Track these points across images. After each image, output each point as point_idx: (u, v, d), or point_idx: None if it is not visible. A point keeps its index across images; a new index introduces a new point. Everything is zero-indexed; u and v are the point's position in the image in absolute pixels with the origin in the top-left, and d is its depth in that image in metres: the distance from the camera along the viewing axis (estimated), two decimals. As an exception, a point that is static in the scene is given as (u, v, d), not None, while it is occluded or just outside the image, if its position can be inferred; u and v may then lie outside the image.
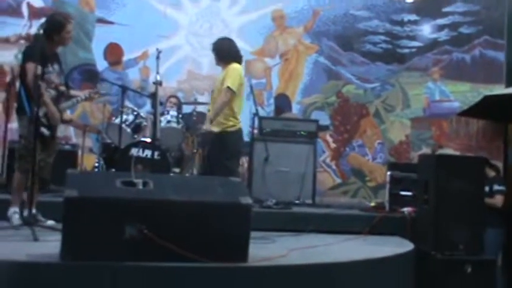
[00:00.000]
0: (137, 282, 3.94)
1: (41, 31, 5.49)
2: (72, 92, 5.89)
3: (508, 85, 8.19)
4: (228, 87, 6.48)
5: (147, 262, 3.96)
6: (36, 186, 5.30)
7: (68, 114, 5.89)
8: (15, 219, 5.23)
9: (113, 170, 7.08)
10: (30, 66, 5.34)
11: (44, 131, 5.43)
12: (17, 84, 5.73)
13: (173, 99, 8.19)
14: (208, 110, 6.69)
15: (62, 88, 5.67)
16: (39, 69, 5.25)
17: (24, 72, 5.44)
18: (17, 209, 5.31)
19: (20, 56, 6.44)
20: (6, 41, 8.41)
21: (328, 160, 9.35)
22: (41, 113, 5.33)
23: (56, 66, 5.63)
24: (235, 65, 6.69)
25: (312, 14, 9.45)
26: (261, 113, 8.15)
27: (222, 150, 6.56)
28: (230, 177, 4.89)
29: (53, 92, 5.54)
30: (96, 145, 8.29)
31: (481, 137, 8.61)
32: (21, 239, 4.65)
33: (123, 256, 3.92)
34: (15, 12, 8.47)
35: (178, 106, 8.10)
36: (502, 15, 8.62)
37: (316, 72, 9.43)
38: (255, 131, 7.54)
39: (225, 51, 6.71)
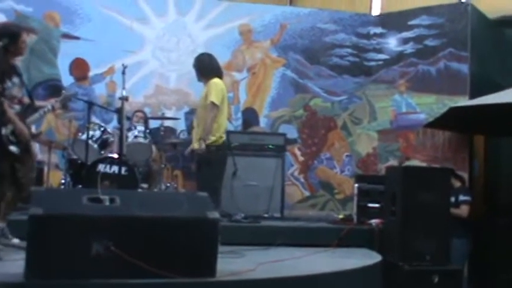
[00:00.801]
0: (104, 300, 3.90)
1: None
2: (37, 103, 5.69)
3: (472, 97, 8.29)
4: (212, 102, 6.53)
5: (115, 279, 3.93)
6: (6, 201, 5.28)
7: (37, 129, 5.79)
8: None
9: (80, 186, 7.02)
10: None
11: (13, 148, 5.32)
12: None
13: (139, 114, 8.16)
14: (192, 128, 6.66)
15: (26, 101, 5.52)
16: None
17: None
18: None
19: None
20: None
21: (296, 173, 9.37)
22: (7, 131, 5.25)
23: (15, 80, 5.41)
24: (216, 80, 6.75)
25: (279, 27, 9.48)
26: (229, 127, 8.15)
27: (208, 168, 6.59)
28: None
29: (17, 107, 5.41)
30: (62, 161, 8.20)
31: (446, 148, 8.70)
32: (-15, 258, 4.58)
33: (90, 273, 3.89)
34: (-23, 27, 8.36)
35: (145, 121, 8.07)
36: (465, 27, 8.73)
37: (284, 85, 9.46)
38: (223, 145, 7.54)
39: (206, 67, 6.81)
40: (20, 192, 5.30)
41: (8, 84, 5.33)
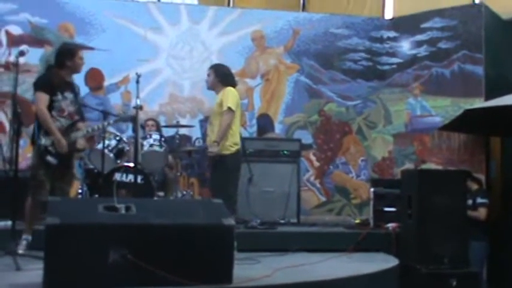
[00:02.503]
0: (122, 308, 3.92)
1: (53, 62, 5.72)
2: (80, 125, 5.90)
3: (487, 98, 8.26)
4: (229, 107, 6.55)
5: (132, 287, 3.95)
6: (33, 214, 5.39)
7: (81, 143, 5.89)
8: (22, 246, 5.28)
9: (97, 195, 7.05)
10: (40, 96, 5.51)
11: (50, 159, 5.51)
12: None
13: (150, 122, 8.17)
14: (207, 135, 6.65)
15: (76, 117, 5.79)
16: (46, 99, 5.45)
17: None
18: (28, 237, 5.39)
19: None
20: (-16, 69, 8.39)
21: (312, 179, 9.36)
22: (48, 142, 5.42)
23: (68, 95, 5.70)
24: (231, 88, 6.77)
25: (291, 33, 9.50)
26: (244, 133, 8.16)
27: (222, 173, 6.58)
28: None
29: (63, 121, 5.63)
30: (79, 171, 8.24)
31: (462, 151, 8.66)
32: (3, 268, 4.63)
33: (108, 282, 3.91)
34: (-6, 40, 8.47)
35: (157, 129, 8.08)
36: (479, 29, 8.70)
37: (298, 91, 9.46)
38: (238, 152, 7.55)
39: (225, 75, 6.81)
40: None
41: (59, 97, 5.60)
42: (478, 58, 8.66)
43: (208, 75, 6.87)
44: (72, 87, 5.82)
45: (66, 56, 5.75)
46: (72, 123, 5.74)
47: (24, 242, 5.33)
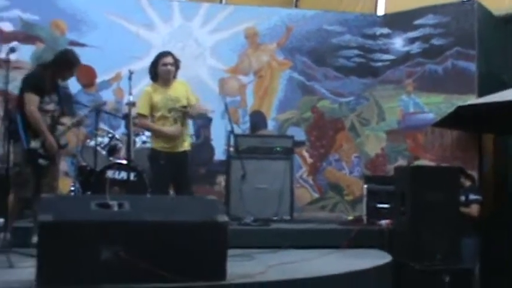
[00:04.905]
0: (115, 305, 3.91)
1: (46, 61, 5.85)
2: (63, 120, 5.97)
3: (480, 95, 8.27)
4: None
5: (125, 284, 3.94)
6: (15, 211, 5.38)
7: (64, 139, 5.95)
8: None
9: (89, 193, 7.04)
10: (31, 97, 5.49)
11: (42, 161, 5.56)
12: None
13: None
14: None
15: (56, 114, 5.81)
16: (37, 100, 5.50)
17: (23, 101, 5.52)
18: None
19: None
20: (-25, 65, 8.34)
21: (305, 175, 9.36)
22: (37, 145, 5.43)
23: (54, 97, 5.76)
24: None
25: (285, 30, 9.49)
26: (237, 130, 8.15)
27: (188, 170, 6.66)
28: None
29: (48, 120, 5.65)
30: (71, 168, 8.22)
31: (455, 148, 8.67)
32: (-4, 265, 4.61)
33: (100, 279, 3.90)
34: (-16, 37, 8.41)
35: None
36: (472, 25, 8.70)
37: (291, 88, 9.45)
38: (231, 149, 7.55)
39: (179, 65, 6.68)
40: (37, 198, 5.39)
41: (46, 99, 5.65)
42: (471, 55, 8.66)
43: (172, 64, 6.54)
44: (57, 89, 5.88)
45: (66, 65, 5.82)
46: (54, 121, 5.73)
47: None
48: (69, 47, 7.35)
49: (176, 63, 6.55)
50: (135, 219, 4.12)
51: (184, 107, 6.38)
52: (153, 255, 3.99)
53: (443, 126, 8.43)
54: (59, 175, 6.17)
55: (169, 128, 6.39)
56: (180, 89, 6.54)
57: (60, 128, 5.85)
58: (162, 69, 6.42)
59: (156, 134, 6.55)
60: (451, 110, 8.07)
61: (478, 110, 7.58)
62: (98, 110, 6.90)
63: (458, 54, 8.82)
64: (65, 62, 5.79)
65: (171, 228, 4.15)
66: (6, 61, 5.42)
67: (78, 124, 6.19)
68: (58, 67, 5.74)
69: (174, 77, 6.58)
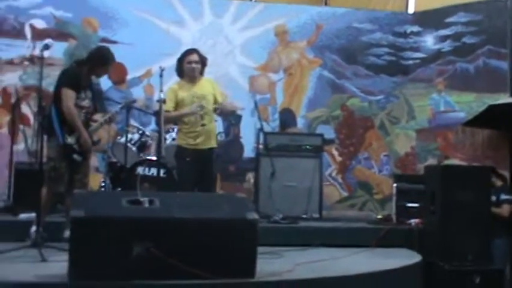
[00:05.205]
0: (145, 301, 3.95)
1: (82, 57, 5.88)
2: (95, 117, 6.04)
3: (512, 94, 8.20)
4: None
5: (155, 280, 3.98)
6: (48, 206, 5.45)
7: (97, 135, 6.03)
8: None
9: (119, 189, 7.09)
10: (69, 93, 5.52)
11: (76, 157, 5.64)
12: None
13: None
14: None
15: (90, 111, 5.89)
16: (74, 96, 5.56)
17: (59, 97, 5.56)
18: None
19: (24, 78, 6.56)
20: (10, 62, 8.45)
21: (334, 174, 9.35)
22: (73, 141, 5.50)
23: (88, 94, 5.82)
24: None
25: (315, 28, 9.48)
26: (266, 128, 8.17)
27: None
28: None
29: (82, 116, 5.73)
30: (102, 164, 8.31)
31: (486, 147, 8.59)
32: (29, 260, 4.67)
33: (131, 275, 3.94)
34: (19, 34, 8.51)
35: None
36: (504, 24, 8.63)
37: (320, 86, 9.44)
38: (261, 147, 7.56)
39: (206, 63, 6.68)
40: (69, 193, 5.51)
41: (82, 95, 5.72)
42: (503, 53, 8.59)
43: (197, 62, 6.52)
44: (91, 86, 5.94)
45: (101, 62, 5.87)
46: (88, 117, 5.81)
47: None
48: (101, 44, 7.46)
49: (202, 61, 6.56)
50: (165, 216, 4.15)
51: (216, 104, 6.41)
52: (183, 252, 4.02)
53: (475, 125, 8.36)
54: (90, 171, 6.23)
55: (184, 109, 6.44)
56: (206, 87, 6.56)
57: (93, 124, 5.92)
58: (187, 67, 6.46)
59: (178, 123, 6.64)
60: (482, 108, 8.00)
61: (510, 109, 7.50)
62: (128, 107, 6.96)
63: (490, 53, 8.75)
64: (100, 59, 5.85)
65: (201, 226, 4.17)
66: (40, 58, 5.48)
67: (110, 121, 6.24)
68: (93, 64, 5.80)
69: (201, 74, 6.60)
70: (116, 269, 3.92)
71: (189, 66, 6.45)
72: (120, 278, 3.91)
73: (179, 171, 6.66)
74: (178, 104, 6.46)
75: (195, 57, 6.49)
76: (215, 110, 6.42)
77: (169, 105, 6.41)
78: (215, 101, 6.52)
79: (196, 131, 6.41)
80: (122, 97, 8.51)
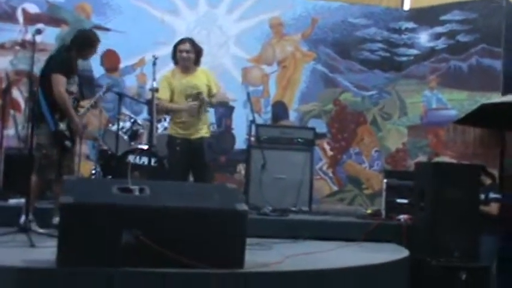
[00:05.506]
0: (133, 288, 3.94)
1: (68, 43, 5.77)
2: (82, 103, 6.01)
3: (504, 93, 8.21)
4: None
5: (143, 268, 3.97)
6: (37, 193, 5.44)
7: (83, 122, 6.03)
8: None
9: (110, 177, 7.08)
10: (60, 79, 5.47)
11: (68, 143, 5.60)
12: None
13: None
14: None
15: (77, 96, 5.81)
16: (65, 82, 5.49)
17: (48, 82, 5.50)
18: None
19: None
20: (1, 47, 8.40)
21: (325, 168, 9.36)
22: (64, 127, 5.47)
23: (75, 78, 5.75)
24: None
25: (310, 21, 9.46)
26: (258, 120, 8.17)
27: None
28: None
29: (71, 101, 5.67)
30: (92, 152, 8.29)
31: (477, 145, 8.62)
32: (18, 244, 4.66)
33: (119, 262, 3.93)
34: (10, 18, 8.44)
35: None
36: (499, 23, 8.65)
37: (314, 79, 9.44)
38: (252, 139, 7.56)
39: (199, 54, 6.64)
40: (58, 180, 5.46)
41: (70, 80, 5.66)
42: (496, 52, 8.61)
43: (188, 51, 6.51)
44: (77, 70, 5.88)
45: (87, 44, 5.81)
46: (76, 103, 5.79)
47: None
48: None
49: (197, 51, 6.55)
50: (155, 205, 4.14)
51: (199, 93, 6.40)
52: (172, 241, 4.02)
53: (466, 123, 8.38)
54: (80, 158, 6.22)
55: (180, 104, 6.46)
56: (201, 77, 6.56)
57: (80, 110, 5.89)
58: (178, 55, 6.49)
59: (171, 113, 6.68)
60: (474, 107, 8.02)
61: (501, 108, 7.52)
62: (109, 91, 6.83)
63: (483, 51, 8.78)
64: (86, 41, 5.78)
65: (191, 215, 4.17)
66: (32, 43, 5.44)
67: (95, 105, 6.24)
68: (80, 47, 5.75)
69: (196, 63, 6.59)
70: (105, 255, 3.92)
71: (180, 55, 6.46)
72: (109, 265, 3.91)
73: (170, 160, 6.67)
74: (171, 92, 6.47)
75: (186, 46, 6.49)
76: (201, 99, 6.40)
77: (165, 94, 6.41)
78: (209, 92, 6.53)
79: (187, 121, 6.42)
80: (113, 85, 8.47)
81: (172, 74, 6.56)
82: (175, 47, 6.55)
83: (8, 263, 4.02)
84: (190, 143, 6.44)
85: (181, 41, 6.59)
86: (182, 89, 6.45)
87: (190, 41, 6.62)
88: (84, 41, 5.79)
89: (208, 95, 6.50)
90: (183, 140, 6.43)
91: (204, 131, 6.55)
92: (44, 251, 4.33)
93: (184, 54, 6.46)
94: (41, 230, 5.10)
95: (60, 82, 5.49)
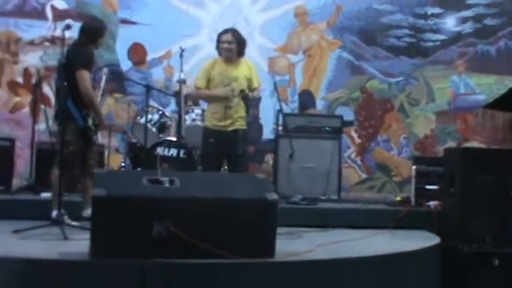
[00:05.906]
0: (165, 279, 3.98)
1: (82, 38, 5.75)
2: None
3: (534, 76, 8.14)
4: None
5: (175, 259, 4.00)
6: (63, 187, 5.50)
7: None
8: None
9: (139, 169, 7.14)
10: (86, 74, 5.53)
11: (95, 138, 5.69)
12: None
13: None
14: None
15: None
16: (90, 77, 5.56)
17: (73, 78, 5.53)
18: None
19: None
20: (31, 43, 8.52)
21: (353, 155, 9.35)
22: (91, 122, 5.54)
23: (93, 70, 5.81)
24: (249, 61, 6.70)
25: (334, 9, 9.43)
26: (285, 109, 8.17)
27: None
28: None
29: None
30: (122, 145, 8.37)
31: (507, 130, 8.55)
32: (52, 237, 4.74)
33: (151, 253, 3.96)
34: (40, 15, 8.57)
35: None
36: (526, 6, 8.57)
37: (340, 67, 9.42)
38: (280, 128, 7.55)
39: (243, 45, 6.59)
40: (85, 173, 5.56)
41: (92, 75, 5.73)
42: (525, 35, 8.51)
43: (230, 42, 6.45)
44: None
45: (99, 35, 5.83)
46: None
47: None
48: (122, 26, 7.48)
49: (239, 41, 6.49)
50: (185, 196, 4.17)
51: (242, 90, 6.34)
52: (202, 232, 4.03)
53: (495, 107, 8.29)
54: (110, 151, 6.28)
55: (217, 90, 6.44)
56: (242, 69, 6.53)
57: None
58: (221, 46, 6.45)
59: (207, 99, 6.66)
60: (503, 91, 7.94)
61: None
62: (124, 78, 6.85)
63: (511, 35, 8.66)
64: (97, 32, 5.81)
65: (221, 205, 4.19)
66: (61, 38, 5.49)
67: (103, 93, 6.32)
68: (94, 39, 5.76)
69: (240, 55, 6.56)
70: (136, 247, 3.96)
71: (222, 45, 6.43)
72: (140, 256, 3.95)
73: (203, 152, 6.69)
74: (209, 81, 6.46)
75: (228, 37, 6.44)
76: (240, 91, 6.36)
77: (200, 82, 6.42)
78: (250, 85, 6.50)
79: (222, 113, 6.42)
80: (141, 78, 8.55)
81: (213, 64, 6.52)
82: (218, 37, 6.53)
83: (43, 255, 4.09)
84: (225, 135, 6.44)
85: (224, 32, 6.54)
86: (220, 79, 6.45)
87: (233, 31, 6.57)
88: (96, 32, 5.81)
89: (248, 88, 6.45)
90: (218, 132, 6.43)
91: (239, 123, 6.51)
92: (77, 244, 4.40)
93: (226, 45, 6.42)
94: (73, 223, 5.18)
95: (86, 78, 5.53)
